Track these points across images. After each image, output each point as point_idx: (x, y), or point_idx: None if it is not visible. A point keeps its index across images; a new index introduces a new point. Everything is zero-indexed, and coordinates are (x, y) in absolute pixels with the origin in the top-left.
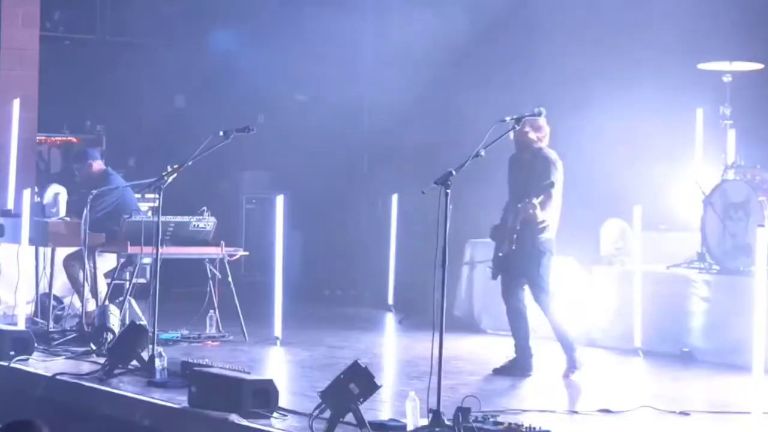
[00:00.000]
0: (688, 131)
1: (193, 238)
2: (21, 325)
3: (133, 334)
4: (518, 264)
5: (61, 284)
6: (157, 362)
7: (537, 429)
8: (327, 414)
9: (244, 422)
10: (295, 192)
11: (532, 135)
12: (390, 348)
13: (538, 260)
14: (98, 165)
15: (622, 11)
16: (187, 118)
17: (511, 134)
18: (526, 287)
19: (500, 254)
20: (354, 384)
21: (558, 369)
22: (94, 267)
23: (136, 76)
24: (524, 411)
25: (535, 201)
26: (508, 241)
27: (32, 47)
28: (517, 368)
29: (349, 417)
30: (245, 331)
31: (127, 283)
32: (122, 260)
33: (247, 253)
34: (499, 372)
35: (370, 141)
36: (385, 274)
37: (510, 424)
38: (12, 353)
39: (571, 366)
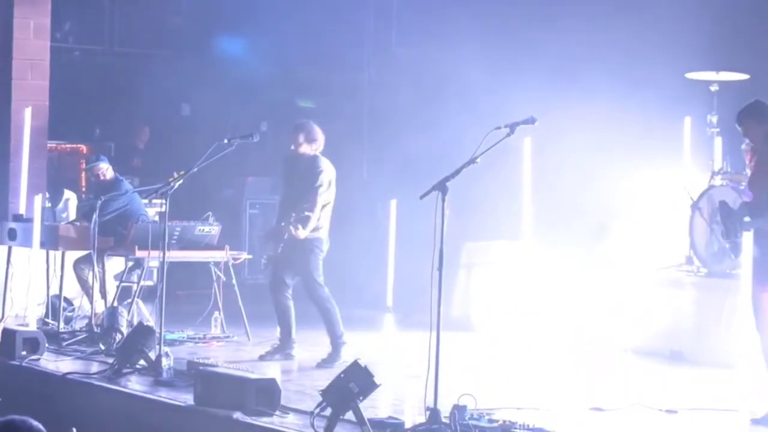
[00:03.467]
0: (676, 138)
1: (199, 242)
2: (32, 326)
3: (141, 335)
4: (288, 262)
5: (71, 286)
6: (164, 362)
7: (531, 426)
8: (328, 412)
9: (248, 420)
10: None
11: (306, 147)
12: (389, 348)
13: (307, 258)
14: (108, 171)
15: (613, 22)
16: (192, 126)
17: (293, 146)
18: (292, 283)
19: (271, 254)
20: (354, 383)
21: (552, 369)
22: (103, 270)
23: (144, 86)
24: (518, 409)
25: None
26: (273, 244)
27: (43, 58)
28: (281, 353)
29: (349, 415)
30: (249, 331)
31: (135, 285)
32: (130, 263)
33: (250, 256)
34: (264, 358)
35: (370, 148)
36: (383, 276)
37: (504, 421)
38: (24, 353)
39: (334, 357)
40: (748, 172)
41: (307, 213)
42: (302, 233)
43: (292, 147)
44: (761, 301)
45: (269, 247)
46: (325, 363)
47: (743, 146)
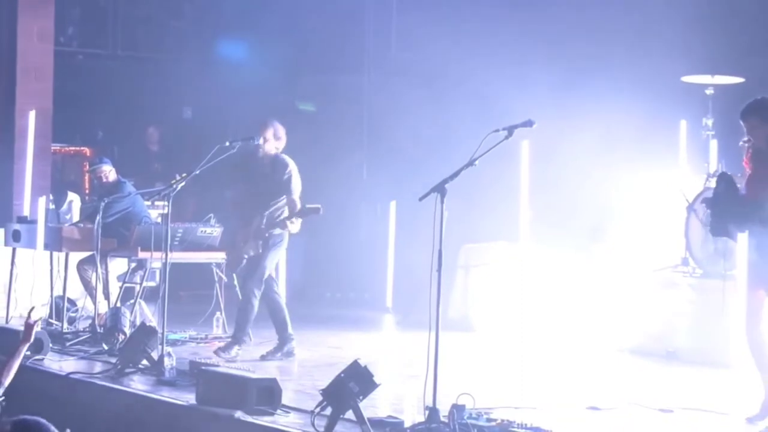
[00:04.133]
0: (672, 141)
1: (201, 243)
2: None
3: (144, 335)
4: (257, 258)
5: (74, 287)
6: (166, 361)
7: (528, 425)
8: (328, 411)
9: (249, 419)
10: None
11: (271, 144)
12: (388, 348)
13: (267, 252)
14: (111, 174)
15: (610, 27)
16: (194, 128)
17: (262, 140)
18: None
19: (245, 256)
20: (354, 382)
21: (549, 368)
22: (106, 271)
23: (146, 89)
24: (516, 408)
25: (294, 221)
26: (254, 243)
27: (47, 61)
28: (281, 352)
29: (350, 414)
30: (250, 332)
31: (138, 286)
32: (133, 264)
33: None
34: (265, 357)
35: (370, 150)
36: (383, 277)
37: (502, 420)
38: (28, 353)
39: (230, 347)
40: (746, 169)
41: (295, 213)
42: (295, 227)
43: (261, 141)
44: (752, 301)
45: (250, 247)
46: (221, 351)
47: (741, 143)
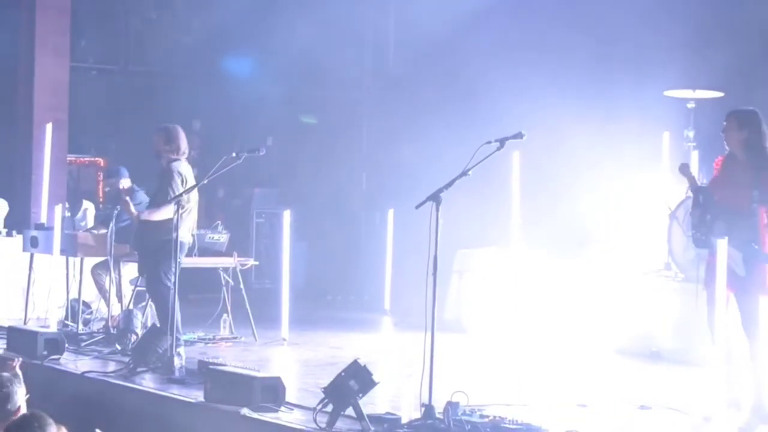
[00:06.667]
0: (655, 152)
1: (209, 249)
2: (53, 328)
3: (155, 336)
4: (150, 262)
5: (89, 291)
6: (176, 361)
7: (519, 422)
8: (329, 408)
9: (255, 415)
10: (301, 207)
11: (165, 147)
12: (386, 348)
13: (158, 259)
14: (125, 182)
15: (599, 45)
16: (202, 140)
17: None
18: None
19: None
20: (354, 381)
21: (540, 368)
22: (119, 275)
23: (156, 102)
24: (508, 405)
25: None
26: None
27: (63, 76)
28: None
29: (350, 411)
30: (255, 332)
31: None
32: None
33: (257, 262)
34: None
35: (369, 161)
36: (381, 281)
37: (495, 417)
38: (45, 353)
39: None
40: (714, 172)
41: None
42: (145, 215)
43: (157, 152)
44: (749, 309)
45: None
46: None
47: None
